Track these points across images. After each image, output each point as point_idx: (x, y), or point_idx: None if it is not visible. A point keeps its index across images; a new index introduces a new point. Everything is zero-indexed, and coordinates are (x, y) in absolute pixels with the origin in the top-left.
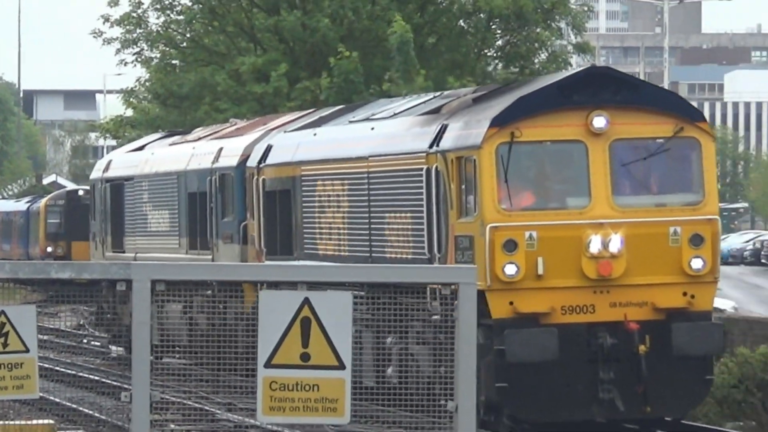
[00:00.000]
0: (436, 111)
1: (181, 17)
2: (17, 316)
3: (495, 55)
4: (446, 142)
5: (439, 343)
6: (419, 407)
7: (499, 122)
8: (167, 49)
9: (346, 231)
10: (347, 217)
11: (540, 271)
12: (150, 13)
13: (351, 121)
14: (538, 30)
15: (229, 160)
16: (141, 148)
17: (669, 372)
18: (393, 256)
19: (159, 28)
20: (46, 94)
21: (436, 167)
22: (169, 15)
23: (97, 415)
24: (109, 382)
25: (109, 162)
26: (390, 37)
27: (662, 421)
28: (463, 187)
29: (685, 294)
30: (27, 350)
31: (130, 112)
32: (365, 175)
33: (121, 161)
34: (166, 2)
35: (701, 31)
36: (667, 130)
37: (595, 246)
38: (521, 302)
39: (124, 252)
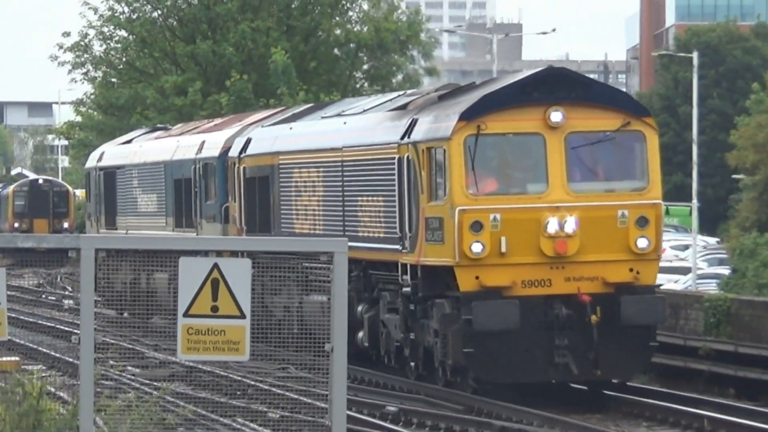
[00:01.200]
0: (403, 107)
1: (119, 45)
2: None
3: (362, 76)
4: (417, 135)
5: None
6: (307, 349)
7: (466, 116)
8: (108, 70)
9: (321, 212)
10: (322, 200)
11: (503, 249)
12: (94, 42)
13: (323, 117)
14: (395, 57)
15: (212, 151)
16: (129, 141)
17: (617, 339)
18: (365, 234)
19: (101, 54)
20: (14, 104)
21: (408, 156)
22: (109, 43)
23: (53, 353)
24: (62, 328)
25: (102, 153)
26: (271, 65)
27: (609, 382)
28: (434, 174)
29: (631, 270)
30: None
31: (79, 119)
32: (339, 164)
33: (113, 153)
34: (107, 33)
35: (522, 58)
36: (616, 124)
37: (552, 227)
38: (486, 277)
39: (116, 229)
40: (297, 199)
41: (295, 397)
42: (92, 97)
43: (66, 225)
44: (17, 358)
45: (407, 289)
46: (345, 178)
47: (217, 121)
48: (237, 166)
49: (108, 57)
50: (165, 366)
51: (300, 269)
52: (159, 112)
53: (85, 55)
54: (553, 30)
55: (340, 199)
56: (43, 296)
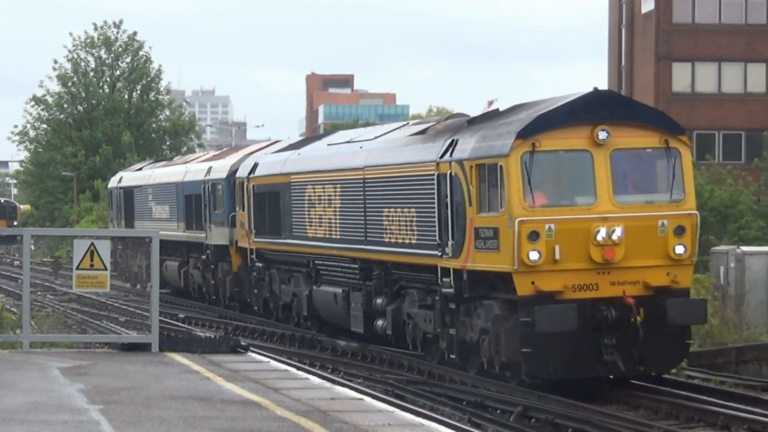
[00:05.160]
0: (422, 132)
1: (43, 132)
2: None
3: (166, 148)
4: (462, 153)
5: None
6: (140, 285)
7: (523, 135)
8: (37, 144)
9: (338, 221)
10: (339, 211)
11: (557, 257)
12: (30, 130)
13: (330, 144)
14: (183, 138)
15: (219, 173)
16: (140, 169)
17: (658, 338)
18: (391, 240)
19: (34, 136)
20: None
21: (450, 173)
22: (38, 131)
23: (9, 288)
24: (13, 275)
25: (121, 177)
26: (122, 141)
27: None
28: (485, 187)
29: (668, 274)
30: None
31: (22, 169)
32: (361, 181)
33: (130, 176)
34: (37, 126)
35: (247, 139)
36: (655, 142)
37: (601, 235)
38: (541, 282)
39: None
40: (310, 210)
41: (133, 309)
42: (28, 157)
43: (15, 223)
44: None
45: (448, 290)
46: (367, 193)
47: (213, 153)
48: (246, 184)
49: (37, 137)
50: (66, 294)
51: (143, 246)
52: (63, 166)
53: (25, 137)
54: (263, 125)
55: (362, 210)
56: (3, 259)
